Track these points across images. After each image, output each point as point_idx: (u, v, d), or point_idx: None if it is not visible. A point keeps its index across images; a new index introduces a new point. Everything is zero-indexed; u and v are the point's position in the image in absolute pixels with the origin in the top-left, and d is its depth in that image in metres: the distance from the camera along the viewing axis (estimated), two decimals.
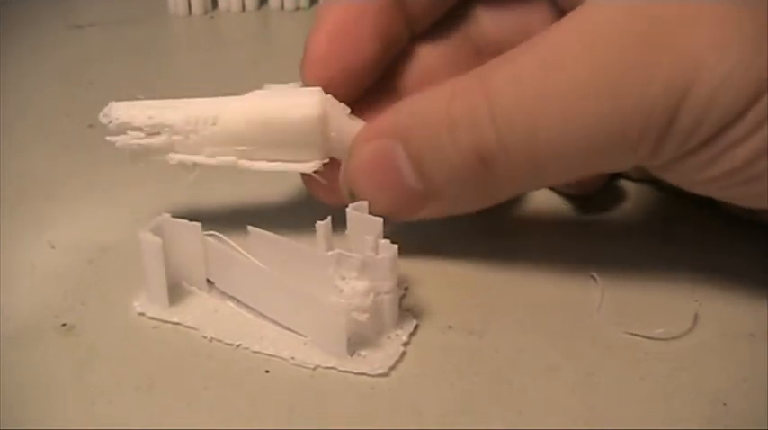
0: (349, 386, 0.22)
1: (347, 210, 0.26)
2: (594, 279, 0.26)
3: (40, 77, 0.46)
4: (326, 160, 0.27)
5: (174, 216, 0.25)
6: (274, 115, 0.26)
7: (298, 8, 0.59)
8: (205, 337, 0.24)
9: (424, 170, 0.25)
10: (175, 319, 0.25)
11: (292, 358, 0.23)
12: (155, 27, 0.55)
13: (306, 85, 0.28)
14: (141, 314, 0.25)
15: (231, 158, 0.27)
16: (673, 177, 0.24)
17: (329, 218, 0.25)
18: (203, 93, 0.44)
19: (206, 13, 0.58)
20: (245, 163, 0.27)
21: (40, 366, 0.23)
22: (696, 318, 0.25)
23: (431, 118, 0.25)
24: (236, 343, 0.24)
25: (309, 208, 0.28)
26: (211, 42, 0.55)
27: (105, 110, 0.28)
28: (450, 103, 0.24)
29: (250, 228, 0.25)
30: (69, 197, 0.32)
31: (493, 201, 0.26)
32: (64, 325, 0.25)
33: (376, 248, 0.24)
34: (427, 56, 0.30)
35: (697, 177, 0.23)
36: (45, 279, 0.27)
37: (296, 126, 0.26)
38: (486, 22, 0.30)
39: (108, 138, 0.28)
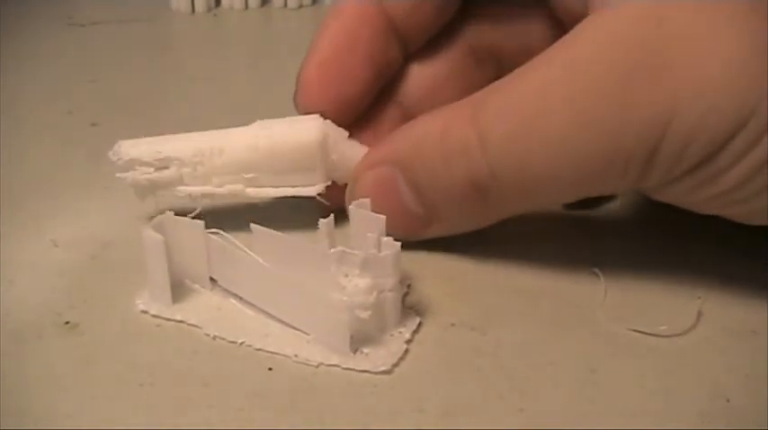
0: (351, 383, 0.22)
1: (350, 207, 0.26)
2: (597, 275, 0.26)
3: (42, 75, 0.46)
4: (329, 183, 0.28)
5: (176, 214, 0.25)
6: (277, 141, 0.28)
7: (301, 6, 0.59)
8: (208, 335, 0.24)
9: (423, 196, 0.26)
10: (178, 317, 0.25)
11: (295, 356, 0.23)
12: (157, 25, 0.55)
13: (300, 114, 0.29)
14: (144, 312, 0.25)
15: (239, 187, 0.28)
16: (667, 199, 0.25)
17: (332, 215, 0.25)
18: (206, 91, 0.44)
19: (209, 10, 0.58)
20: (252, 191, 0.28)
21: (43, 363, 0.23)
22: (699, 314, 0.25)
23: (426, 148, 0.26)
24: (239, 340, 0.24)
25: (312, 206, 0.28)
26: (214, 40, 0.55)
27: (114, 148, 0.29)
28: (443, 133, 0.25)
29: (253, 225, 0.25)
30: (72, 195, 0.32)
31: (492, 222, 0.27)
32: (67, 322, 0.25)
33: (378, 245, 0.24)
34: (429, 68, 0.31)
35: (691, 199, 0.24)
36: (47, 276, 0.27)
37: (298, 151, 0.28)
38: (485, 34, 0.31)
39: (118, 175, 0.28)
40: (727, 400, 0.22)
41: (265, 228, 0.25)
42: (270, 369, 0.23)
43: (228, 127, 0.29)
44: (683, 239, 0.28)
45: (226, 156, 0.28)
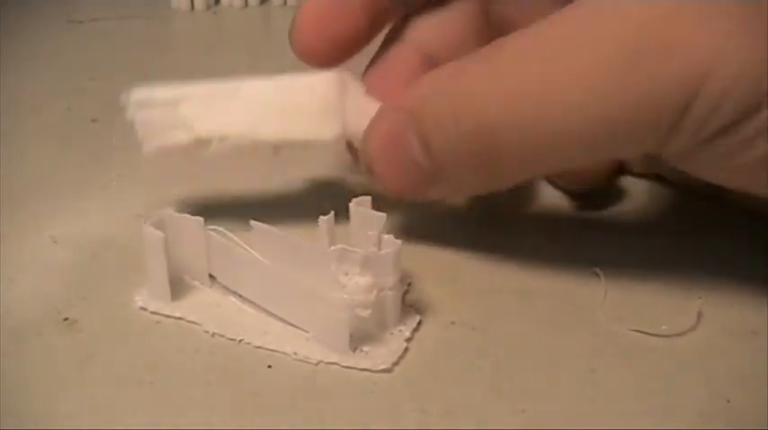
0: (351, 382, 0.22)
1: (350, 205, 0.26)
2: (598, 275, 0.26)
3: (41, 72, 0.46)
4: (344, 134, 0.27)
5: (176, 211, 0.25)
6: (296, 83, 0.27)
7: (300, 3, 0.59)
8: (207, 332, 0.24)
9: (431, 148, 0.25)
10: (178, 314, 0.25)
11: (295, 353, 0.23)
12: (157, 22, 0.55)
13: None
14: (143, 309, 0.25)
15: (250, 128, 0.27)
16: (690, 167, 0.24)
17: (332, 213, 0.25)
18: None
19: (208, 8, 0.58)
20: (264, 133, 0.27)
21: (42, 361, 0.23)
22: (699, 314, 0.25)
23: (437, 98, 0.25)
24: (239, 338, 0.24)
25: (312, 203, 0.28)
26: (214, 37, 0.55)
27: (125, 93, 0.28)
28: (454, 82, 0.25)
29: (253, 222, 0.25)
30: (71, 192, 0.32)
31: (498, 186, 0.26)
32: (66, 319, 0.25)
33: (379, 244, 0.24)
34: (448, 19, 0.30)
35: (715, 167, 0.23)
36: (47, 274, 0.27)
37: (317, 91, 0.27)
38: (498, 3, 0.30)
39: (128, 117, 0.28)
40: (728, 401, 0.22)
41: (265, 226, 0.25)
42: (269, 366, 0.23)
43: None
44: (683, 239, 0.28)
45: (241, 97, 0.27)
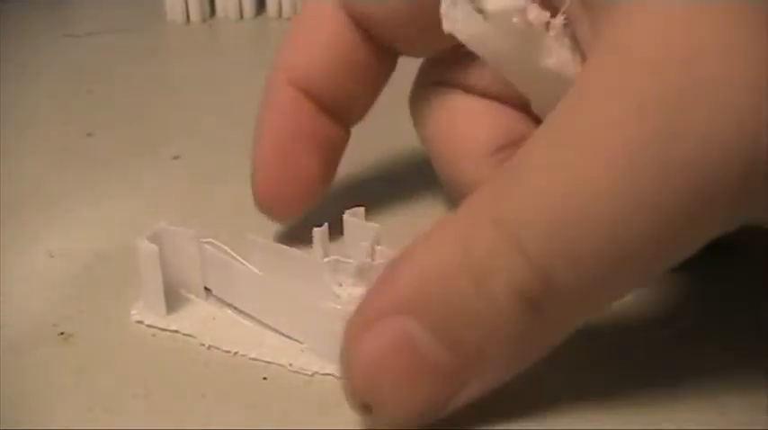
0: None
1: (344, 216, 0.26)
2: None
3: (37, 86, 0.46)
4: None
5: (171, 224, 0.26)
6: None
7: (296, 14, 0.60)
8: (203, 345, 0.24)
9: (454, 337, 0.20)
10: (173, 327, 0.25)
11: (290, 365, 0.23)
12: (152, 35, 0.56)
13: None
14: (139, 322, 0.25)
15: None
16: None
17: (326, 224, 0.25)
18: (201, 100, 0.44)
19: (204, 20, 0.58)
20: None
21: (38, 374, 0.23)
22: (695, 323, 0.25)
23: (445, 275, 0.19)
24: (234, 350, 0.24)
25: (307, 215, 0.28)
26: (209, 50, 0.55)
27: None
28: (463, 253, 0.19)
29: (247, 235, 0.25)
30: (67, 205, 0.32)
31: (552, 344, 0.21)
32: (62, 333, 0.25)
33: (372, 254, 0.24)
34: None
35: None
36: (43, 287, 0.27)
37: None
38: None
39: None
40: (723, 413, 0.22)
41: (259, 238, 0.25)
42: (264, 378, 0.23)
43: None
44: None
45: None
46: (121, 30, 0.55)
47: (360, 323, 0.20)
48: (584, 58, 0.23)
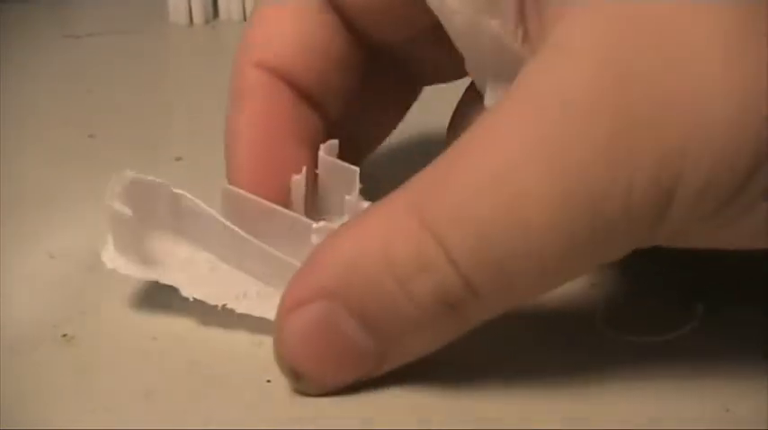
0: (352, 390, 0.22)
1: (319, 153, 0.25)
2: (595, 281, 0.26)
3: (38, 87, 0.46)
4: None
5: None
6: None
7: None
8: (187, 299, 0.24)
9: (376, 325, 0.21)
10: (153, 277, 0.24)
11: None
12: (155, 36, 0.55)
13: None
14: (114, 270, 0.24)
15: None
16: (687, 244, 0.21)
17: (304, 170, 0.24)
18: (204, 102, 0.44)
19: (207, 22, 0.58)
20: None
21: (39, 376, 0.23)
22: (698, 323, 0.25)
23: (369, 268, 0.20)
24: (221, 303, 0.23)
25: None
26: (212, 51, 0.55)
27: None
28: (385, 251, 0.20)
29: (225, 187, 0.25)
30: (68, 206, 0.32)
31: (462, 333, 0.22)
32: (63, 335, 0.25)
33: (357, 206, 0.24)
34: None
35: (716, 240, 0.21)
36: (44, 289, 0.27)
37: None
38: None
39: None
40: (727, 410, 0.22)
41: (240, 191, 0.24)
42: (268, 381, 0.23)
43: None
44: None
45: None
46: (123, 31, 0.55)
47: (290, 300, 0.21)
48: (527, 37, 0.23)
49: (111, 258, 0.25)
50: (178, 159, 0.36)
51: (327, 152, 0.25)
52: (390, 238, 0.20)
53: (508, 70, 0.22)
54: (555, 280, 0.21)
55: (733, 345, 0.24)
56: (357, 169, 0.24)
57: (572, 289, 0.26)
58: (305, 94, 0.27)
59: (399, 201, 0.21)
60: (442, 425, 0.21)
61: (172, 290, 0.25)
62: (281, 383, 0.23)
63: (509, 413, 0.22)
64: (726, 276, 0.27)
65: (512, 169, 0.19)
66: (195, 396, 0.22)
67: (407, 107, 0.32)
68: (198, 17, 0.57)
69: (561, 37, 0.20)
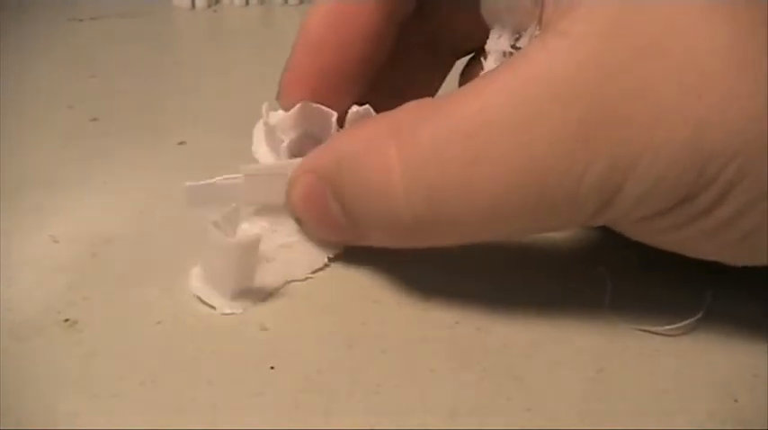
0: (356, 382, 0.22)
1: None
2: (603, 274, 0.26)
3: (42, 71, 0.46)
4: None
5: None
6: None
7: (301, 2, 0.59)
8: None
9: (349, 212, 0.24)
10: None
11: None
12: (158, 20, 0.55)
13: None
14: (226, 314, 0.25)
15: None
16: (641, 238, 0.23)
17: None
18: (206, 86, 0.44)
19: (209, 6, 0.58)
20: None
21: (43, 361, 0.23)
22: (706, 312, 0.24)
23: (349, 167, 0.24)
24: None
25: None
26: (215, 35, 0.55)
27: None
28: (364, 155, 0.23)
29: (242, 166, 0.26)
30: (72, 190, 0.32)
31: (421, 247, 0.25)
32: (67, 320, 0.24)
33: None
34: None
35: (670, 239, 0.23)
36: (47, 273, 0.27)
37: None
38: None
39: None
40: (736, 400, 0.22)
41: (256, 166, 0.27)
42: (272, 367, 0.23)
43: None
44: None
45: None
46: (126, 14, 0.55)
47: (301, 167, 0.25)
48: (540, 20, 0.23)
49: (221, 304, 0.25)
50: (181, 143, 0.36)
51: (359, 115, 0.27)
52: (369, 150, 0.23)
53: (515, 23, 0.24)
54: (495, 235, 0.23)
55: (742, 335, 0.24)
56: (335, 113, 0.27)
57: (579, 275, 0.26)
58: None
59: (389, 122, 0.23)
60: (446, 421, 0.21)
61: (174, 274, 0.25)
62: (285, 370, 0.23)
63: (512, 402, 0.21)
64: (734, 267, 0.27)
65: (481, 130, 0.21)
66: (198, 381, 0.22)
67: (442, 78, 0.32)
68: (200, 1, 0.57)
69: (566, 26, 0.21)
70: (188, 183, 0.26)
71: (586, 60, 0.20)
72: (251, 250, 0.25)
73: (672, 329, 0.24)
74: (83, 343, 0.24)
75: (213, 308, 0.25)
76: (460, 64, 0.31)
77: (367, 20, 0.28)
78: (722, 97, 0.20)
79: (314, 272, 0.27)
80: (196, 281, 0.26)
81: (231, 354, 0.23)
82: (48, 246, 0.28)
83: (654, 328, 0.24)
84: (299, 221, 0.27)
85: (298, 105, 0.27)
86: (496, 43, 0.25)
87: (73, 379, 0.22)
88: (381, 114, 0.24)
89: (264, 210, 0.28)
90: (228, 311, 0.25)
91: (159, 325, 0.24)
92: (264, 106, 0.27)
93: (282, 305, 0.25)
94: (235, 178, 0.27)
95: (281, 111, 0.28)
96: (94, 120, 0.39)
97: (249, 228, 0.27)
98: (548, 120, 0.20)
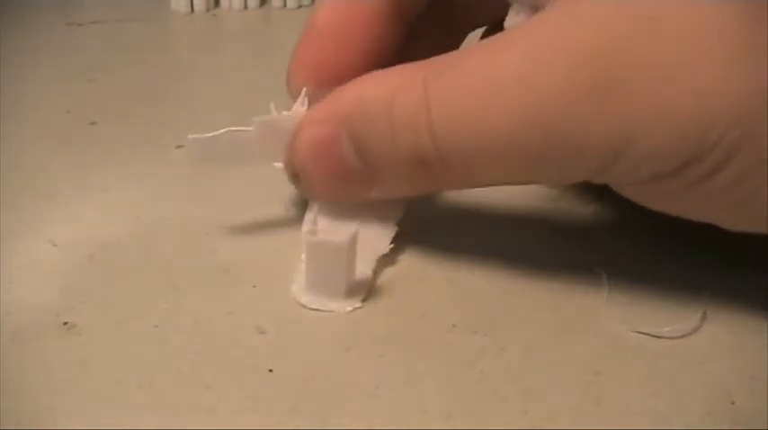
0: (354, 385, 0.22)
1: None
2: (600, 277, 0.26)
3: (40, 75, 0.46)
4: None
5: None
6: None
7: (300, 6, 0.59)
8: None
9: (366, 156, 0.25)
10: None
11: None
12: (156, 25, 0.55)
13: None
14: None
15: None
16: (641, 200, 0.24)
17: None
18: (205, 91, 0.44)
19: (208, 10, 0.58)
20: None
21: (41, 365, 0.23)
22: (704, 315, 0.25)
23: (372, 112, 0.24)
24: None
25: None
26: (213, 40, 0.55)
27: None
28: (390, 100, 0.24)
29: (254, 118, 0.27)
30: (70, 194, 0.32)
31: (434, 190, 0.28)
32: (65, 323, 0.24)
33: None
34: None
35: (670, 202, 0.24)
36: (46, 277, 0.27)
37: None
38: None
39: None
40: (732, 402, 0.22)
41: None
42: (270, 370, 0.23)
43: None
44: (686, 240, 0.28)
45: None
46: (125, 19, 0.55)
47: (309, 117, 0.26)
48: None
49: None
50: (179, 147, 0.36)
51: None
52: (398, 91, 0.24)
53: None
54: (507, 177, 0.24)
55: (738, 337, 0.24)
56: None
57: (577, 278, 0.26)
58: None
59: (419, 69, 0.24)
60: (443, 422, 0.21)
61: (172, 277, 0.25)
62: (283, 373, 0.23)
63: (509, 405, 0.22)
64: (733, 266, 0.27)
65: (496, 84, 0.22)
66: (197, 385, 0.22)
67: None
68: (199, 5, 0.57)
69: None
70: (191, 136, 0.26)
71: (596, 26, 0.22)
72: (354, 245, 0.25)
73: (668, 332, 0.24)
74: (81, 346, 0.24)
75: (332, 312, 0.25)
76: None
77: (374, 14, 0.28)
78: (723, 70, 0.21)
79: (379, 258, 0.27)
80: (304, 295, 0.26)
81: (229, 358, 0.23)
82: (46, 249, 0.28)
83: (651, 331, 0.24)
84: (296, 178, 0.27)
85: (304, 90, 0.28)
86: (515, 20, 0.26)
87: (70, 382, 0.22)
88: (403, 65, 0.25)
89: (323, 210, 0.27)
90: (350, 309, 0.25)
91: (157, 328, 0.24)
92: (272, 105, 0.27)
93: (280, 308, 0.25)
94: (243, 130, 0.27)
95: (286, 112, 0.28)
96: (93, 124, 0.39)
97: (320, 228, 0.27)
98: (554, 86, 0.22)
